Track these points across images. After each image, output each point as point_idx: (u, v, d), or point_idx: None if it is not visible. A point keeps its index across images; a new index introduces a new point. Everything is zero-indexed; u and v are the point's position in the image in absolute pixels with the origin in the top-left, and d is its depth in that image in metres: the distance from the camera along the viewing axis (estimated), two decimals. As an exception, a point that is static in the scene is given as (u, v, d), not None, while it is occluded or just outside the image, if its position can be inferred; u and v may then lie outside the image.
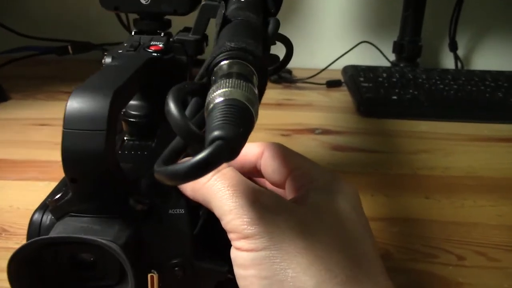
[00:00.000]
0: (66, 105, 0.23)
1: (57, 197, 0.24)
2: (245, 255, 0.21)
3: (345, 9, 0.88)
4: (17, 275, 0.22)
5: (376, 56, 0.86)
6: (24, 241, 0.23)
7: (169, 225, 0.25)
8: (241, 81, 0.17)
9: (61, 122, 0.48)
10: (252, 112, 0.16)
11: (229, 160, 0.15)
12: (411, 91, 0.68)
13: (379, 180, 0.47)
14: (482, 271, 0.35)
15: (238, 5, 0.28)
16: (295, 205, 0.23)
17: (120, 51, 0.32)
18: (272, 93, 0.72)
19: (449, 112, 0.65)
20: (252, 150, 0.28)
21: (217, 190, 0.23)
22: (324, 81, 0.77)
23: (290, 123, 0.61)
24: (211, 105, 0.16)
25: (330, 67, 0.81)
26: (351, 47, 0.84)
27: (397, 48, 0.83)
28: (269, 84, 0.83)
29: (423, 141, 0.57)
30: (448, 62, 0.90)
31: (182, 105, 0.17)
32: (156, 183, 0.27)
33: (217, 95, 0.17)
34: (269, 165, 0.27)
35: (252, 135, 0.17)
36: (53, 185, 0.38)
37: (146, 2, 0.34)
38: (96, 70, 0.64)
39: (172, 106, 0.17)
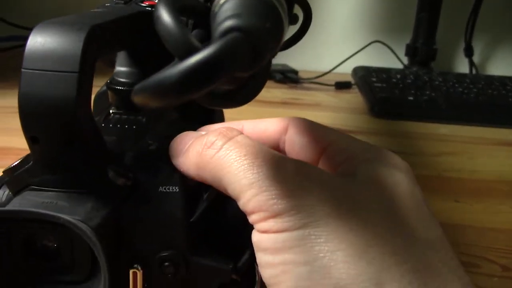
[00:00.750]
0: (27, 42, 0.17)
1: (14, 164, 0.18)
2: (275, 236, 0.16)
3: (353, 10, 0.84)
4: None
5: (387, 59, 0.81)
6: None
7: (159, 206, 0.19)
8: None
9: None
10: (280, 12, 0.11)
11: (251, 68, 0.09)
12: (428, 92, 0.63)
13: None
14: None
15: None
16: (338, 177, 0.18)
17: (108, 4, 0.27)
18: (277, 92, 0.67)
19: (469, 115, 0.60)
20: (273, 126, 0.22)
21: (232, 161, 0.17)
22: (332, 83, 0.72)
23: (298, 121, 0.56)
24: (221, 2, 0.11)
25: (338, 70, 0.76)
26: (358, 48, 0.80)
27: (410, 51, 0.79)
28: (273, 84, 0.78)
29: (445, 143, 0.52)
30: (462, 67, 0.85)
31: (178, 14, 0.12)
32: (143, 156, 0.21)
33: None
34: (297, 142, 0.21)
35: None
36: None
37: (141, -48, 0.28)
38: None
39: (164, 12, 0.12)
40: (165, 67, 0.12)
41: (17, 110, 0.51)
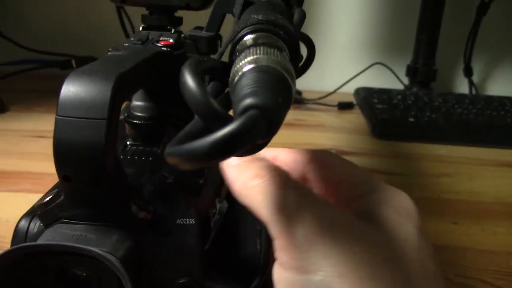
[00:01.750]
0: (60, 90, 0.19)
1: (46, 199, 0.20)
2: (301, 278, 0.17)
3: (355, 32, 0.86)
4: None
5: (388, 80, 0.83)
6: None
7: (177, 237, 0.21)
8: (274, 49, 0.14)
9: None
10: (290, 83, 0.13)
11: (267, 137, 0.11)
12: (428, 114, 0.65)
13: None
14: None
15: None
16: (364, 224, 0.19)
17: (126, 44, 0.29)
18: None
19: (470, 136, 0.61)
20: (302, 157, 0.24)
21: (268, 199, 0.19)
22: (335, 103, 0.74)
23: (303, 143, 0.58)
24: (239, 74, 0.13)
25: (341, 90, 0.78)
26: (362, 70, 0.82)
27: (411, 71, 0.81)
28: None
29: (444, 164, 0.54)
30: (462, 88, 0.87)
31: (201, 79, 0.14)
32: (162, 190, 0.23)
33: (246, 63, 0.13)
34: (318, 174, 0.23)
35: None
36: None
37: (157, -5, 0.31)
38: None
39: (189, 77, 0.14)
40: (189, 128, 0.14)
41: (32, 134, 0.53)
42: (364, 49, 0.86)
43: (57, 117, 0.19)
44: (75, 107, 0.19)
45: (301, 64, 0.30)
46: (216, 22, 0.31)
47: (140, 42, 0.29)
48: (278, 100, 0.11)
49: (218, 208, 0.22)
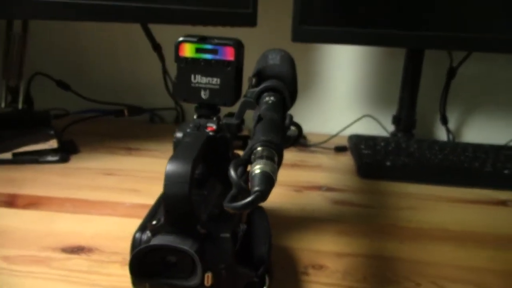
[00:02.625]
0: (166, 168, 0.39)
1: (153, 223, 0.40)
2: None
3: (351, 87, 1.06)
4: (135, 267, 0.37)
5: (378, 127, 1.02)
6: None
7: (219, 243, 0.40)
8: (270, 161, 0.33)
9: (122, 172, 0.68)
10: (273, 178, 0.32)
11: (261, 202, 0.30)
12: (402, 158, 0.83)
13: (365, 228, 0.62)
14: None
15: (266, 106, 0.45)
16: None
17: (188, 130, 0.49)
18: (289, 155, 0.88)
19: (433, 177, 0.80)
20: None
21: None
22: (333, 146, 0.94)
23: (302, 180, 0.77)
24: (254, 173, 0.32)
25: (339, 134, 0.97)
26: (357, 116, 1.01)
27: (396, 121, 0.99)
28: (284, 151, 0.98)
29: (407, 200, 0.72)
30: (442, 133, 1.05)
31: (237, 171, 0.33)
32: (212, 217, 0.43)
33: (257, 168, 0.32)
34: None
35: (273, 189, 0.32)
36: (124, 220, 0.57)
37: (205, 97, 0.50)
38: (143, 130, 0.90)
39: (232, 173, 0.33)
40: (232, 194, 0.33)
41: (103, 172, 0.75)
42: (358, 101, 1.06)
43: (165, 182, 0.38)
44: (173, 177, 0.38)
45: (294, 138, 0.50)
46: (241, 114, 0.50)
47: (196, 129, 0.48)
48: (267, 187, 0.30)
49: (241, 228, 0.42)
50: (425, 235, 0.61)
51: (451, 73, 0.97)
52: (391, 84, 1.03)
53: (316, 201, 0.70)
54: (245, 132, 0.52)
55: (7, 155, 0.77)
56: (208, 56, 0.49)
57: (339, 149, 0.93)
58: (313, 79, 1.06)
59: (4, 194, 0.66)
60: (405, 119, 0.98)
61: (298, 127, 0.49)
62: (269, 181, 0.31)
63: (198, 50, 0.49)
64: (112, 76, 1.07)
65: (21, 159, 0.77)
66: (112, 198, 0.67)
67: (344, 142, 0.95)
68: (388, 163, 0.82)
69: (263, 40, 0.97)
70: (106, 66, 1.06)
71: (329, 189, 0.75)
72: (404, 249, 0.57)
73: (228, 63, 0.49)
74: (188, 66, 0.49)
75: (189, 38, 0.49)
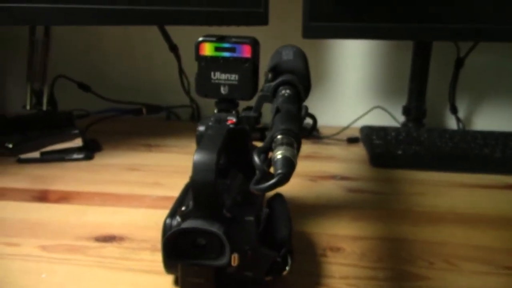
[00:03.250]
0: (193, 157, 0.42)
1: (183, 209, 0.43)
2: None
3: (361, 80, 1.08)
4: (168, 249, 0.40)
5: (389, 118, 1.05)
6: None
7: (244, 226, 0.43)
8: (289, 147, 0.36)
9: (145, 168, 0.73)
10: (294, 162, 0.35)
11: (285, 183, 0.33)
12: (413, 147, 0.86)
13: (379, 213, 0.65)
14: (446, 272, 0.51)
15: (283, 99, 0.48)
16: None
17: (210, 123, 0.52)
18: (303, 147, 0.90)
19: (443, 164, 0.82)
20: None
21: None
22: (345, 138, 0.96)
23: (317, 170, 0.80)
24: (276, 158, 0.35)
25: (350, 126, 1.00)
26: (368, 108, 1.04)
27: (406, 111, 1.02)
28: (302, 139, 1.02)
29: (419, 186, 0.75)
30: (451, 122, 1.08)
31: (260, 157, 0.37)
32: (235, 202, 0.46)
33: (278, 154, 0.36)
34: None
35: (291, 179, 0.35)
36: (150, 211, 0.61)
37: (224, 92, 0.54)
38: (161, 128, 0.96)
39: (256, 159, 0.36)
40: (256, 177, 0.37)
41: (126, 167, 0.79)
42: (369, 92, 1.09)
43: (193, 170, 0.41)
44: (200, 166, 0.41)
45: (309, 129, 0.53)
46: (258, 107, 0.53)
47: (218, 123, 0.52)
48: (290, 170, 0.34)
49: (264, 211, 0.45)
50: (437, 218, 0.64)
51: (459, 63, 0.99)
52: (400, 76, 1.06)
53: (330, 189, 0.73)
54: (262, 125, 0.55)
55: (35, 154, 0.81)
56: (226, 54, 0.52)
57: (351, 140, 0.96)
58: (324, 74, 1.09)
59: (35, 190, 0.70)
60: (415, 110, 1.00)
61: (313, 118, 0.52)
62: (290, 164, 0.35)
63: (217, 49, 0.52)
64: (130, 76, 1.11)
65: (48, 158, 0.81)
66: (137, 191, 0.70)
67: (356, 134, 0.98)
68: (399, 152, 0.84)
69: (275, 37, 1.00)
70: (124, 67, 1.10)
71: (343, 178, 0.78)
72: (417, 232, 0.60)
73: (246, 60, 0.52)
74: (208, 64, 0.53)
75: (208, 38, 0.52)
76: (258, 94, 0.53)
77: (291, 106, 0.46)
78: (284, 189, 0.38)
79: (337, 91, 1.10)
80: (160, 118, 1.07)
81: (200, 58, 0.53)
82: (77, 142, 0.83)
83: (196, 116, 1.08)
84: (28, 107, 0.91)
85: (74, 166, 0.80)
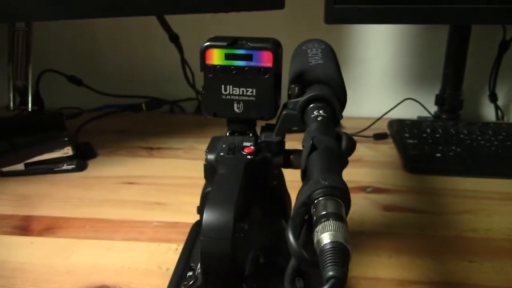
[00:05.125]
0: (203, 218, 0.31)
1: (190, 283, 0.33)
2: None
3: (388, 66, 0.96)
4: None
5: (419, 107, 0.93)
6: None
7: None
8: (339, 223, 0.25)
9: (145, 180, 0.60)
10: (348, 252, 0.24)
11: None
12: (453, 147, 0.74)
13: (426, 243, 0.54)
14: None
15: (317, 127, 0.37)
16: None
17: (222, 153, 0.41)
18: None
19: (490, 169, 0.71)
20: None
21: None
22: (371, 133, 0.85)
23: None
24: (322, 244, 0.24)
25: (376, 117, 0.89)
26: (393, 97, 0.92)
27: (439, 101, 0.90)
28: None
29: (466, 200, 0.63)
30: (489, 112, 0.95)
31: (297, 236, 0.26)
32: (256, 266, 0.35)
33: (324, 237, 0.24)
34: None
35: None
36: (151, 245, 0.50)
37: (239, 110, 0.42)
38: (163, 124, 0.82)
39: (292, 240, 0.25)
40: (289, 263, 0.26)
41: (124, 181, 0.67)
42: (397, 78, 0.96)
43: (201, 238, 0.31)
44: (212, 232, 0.30)
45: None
46: (283, 130, 0.42)
47: (231, 153, 0.40)
48: (345, 270, 0.23)
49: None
50: (497, 248, 0.53)
51: (504, 45, 0.86)
52: (432, 61, 0.93)
53: (363, 207, 0.62)
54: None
55: (20, 166, 0.71)
56: (240, 62, 0.41)
57: (379, 137, 0.85)
58: (346, 60, 0.96)
59: (18, 216, 0.59)
60: (450, 99, 0.88)
61: (352, 142, 0.41)
62: (344, 257, 0.24)
63: (228, 56, 0.41)
64: (127, 67, 0.98)
65: (34, 170, 0.71)
66: (136, 215, 0.60)
67: (383, 127, 0.87)
68: (438, 154, 0.73)
69: (292, 23, 0.88)
70: (120, 57, 0.98)
71: (375, 190, 0.67)
72: (476, 271, 0.49)
73: (265, 70, 0.41)
74: (217, 75, 0.41)
75: (217, 43, 0.41)
76: (282, 112, 0.42)
77: (331, 140, 0.35)
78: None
79: (360, 79, 0.97)
80: (163, 111, 0.95)
81: (207, 68, 0.41)
82: (67, 151, 0.72)
83: (203, 110, 0.97)
84: (11, 107, 0.80)
85: (64, 179, 0.70)
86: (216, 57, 0.41)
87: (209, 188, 0.43)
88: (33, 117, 0.79)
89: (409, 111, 0.92)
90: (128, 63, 0.98)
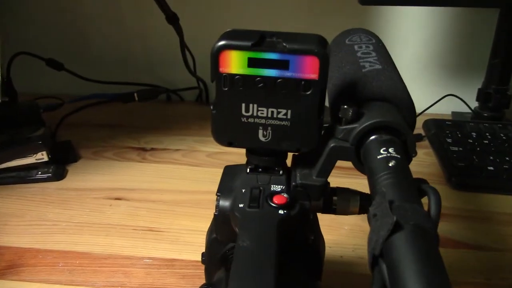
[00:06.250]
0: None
1: None
2: None
3: (422, 52, 0.82)
4: None
5: (456, 101, 0.80)
6: None
7: None
8: None
9: (136, 195, 0.48)
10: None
11: None
12: (507, 158, 0.62)
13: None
14: None
15: (392, 180, 0.24)
16: None
17: (241, 205, 0.28)
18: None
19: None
20: None
21: None
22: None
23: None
24: None
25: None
26: (427, 90, 0.79)
27: (482, 96, 0.77)
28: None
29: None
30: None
31: None
32: None
33: None
34: None
35: None
36: None
37: (265, 139, 0.30)
38: (159, 115, 0.64)
39: None
40: None
41: (110, 195, 0.55)
42: (430, 68, 0.83)
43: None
44: None
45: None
46: (328, 169, 0.29)
47: (256, 205, 0.28)
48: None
49: None
50: None
51: None
52: (475, 49, 0.80)
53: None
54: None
55: (-16, 174, 0.58)
56: (271, 72, 0.28)
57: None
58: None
59: (-25, 248, 0.47)
60: (496, 94, 0.75)
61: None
62: None
63: (253, 62, 0.28)
64: (118, 50, 0.84)
65: (2, 180, 0.58)
66: (123, 247, 0.48)
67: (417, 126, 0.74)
68: (490, 168, 0.61)
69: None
70: (110, 37, 0.84)
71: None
72: None
73: (307, 83, 0.28)
74: (236, 89, 0.28)
75: (237, 42, 0.27)
76: (328, 143, 0.29)
77: (418, 210, 0.22)
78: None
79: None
80: (158, 102, 0.82)
81: (221, 79, 0.28)
82: (41, 156, 0.60)
83: (204, 98, 0.84)
84: (-23, 98, 0.66)
85: (38, 192, 0.57)
86: (235, 62, 0.28)
87: (214, 235, 0.31)
88: (3, 110, 0.66)
89: (442, 105, 0.79)
90: (119, 45, 0.84)
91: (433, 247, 0.21)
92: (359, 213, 0.33)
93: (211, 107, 0.30)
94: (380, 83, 0.30)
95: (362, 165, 0.28)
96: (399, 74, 0.32)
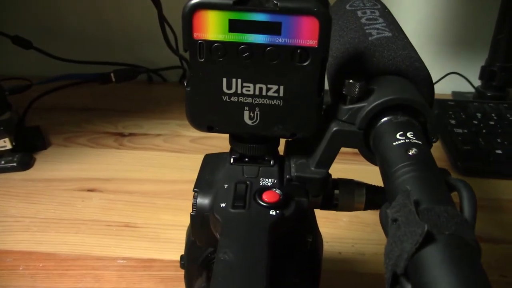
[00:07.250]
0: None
1: None
2: None
3: (421, 27, 0.77)
4: None
5: (457, 79, 0.75)
6: None
7: None
8: None
9: (111, 186, 0.42)
10: None
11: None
12: (515, 140, 0.57)
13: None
14: None
15: (416, 174, 0.19)
16: None
17: (223, 204, 0.23)
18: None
19: None
20: None
21: None
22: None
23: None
24: None
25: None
26: (432, 68, 0.74)
27: (486, 74, 0.72)
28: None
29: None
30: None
31: None
32: None
33: None
34: None
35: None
36: None
37: (252, 122, 0.24)
38: (138, 98, 0.57)
39: None
40: None
41: (82, 186, 0.48)
42: (432, 43, 0.77)
43: None
44: None
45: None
46: (329, 158, 0.24)
47: (241, 203, 0.22)
48: None
49: None
50: None
51: None
52: (477, 23, 0.74)
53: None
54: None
55: None
56: (258, 38, 0.22)
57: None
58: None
59: None
60: (501, 73, 0.70)
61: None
62: None
63: (235, 26, 0.22)
64: (93, 26, 0.78)
65: (-40, 169, 0.52)
66: (94, 247, 0.42)
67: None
68: (498, 151, 0.56)
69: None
70: (83, 11, 0.77)
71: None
72: None
73: (305, 52, 0.22)
74: (215, 60, 0.22)
75: (216, 0, 0.21)
76: (330, 127, 0.24)
77: (453, 212, 0.17)
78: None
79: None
80: (138, 82, 0.75)
81: (195, 47, 0.22)
82: (4, 144, 0.53)
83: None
84: None
85: (1, 183, 0.51)
86: (213, 26, 0.22)
87: (193, 239, 0.26)
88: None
89: (442, 84, 0.74)
90: (93, 20, 0.77)
91: (477, 265, 0.15)
92: (365, 208, 0.28)
93: (185, 83, 0.24)
94: (392, 52, 0.25)
95: (372, 153, 0.23)
96: (411, 44, 0.27)
